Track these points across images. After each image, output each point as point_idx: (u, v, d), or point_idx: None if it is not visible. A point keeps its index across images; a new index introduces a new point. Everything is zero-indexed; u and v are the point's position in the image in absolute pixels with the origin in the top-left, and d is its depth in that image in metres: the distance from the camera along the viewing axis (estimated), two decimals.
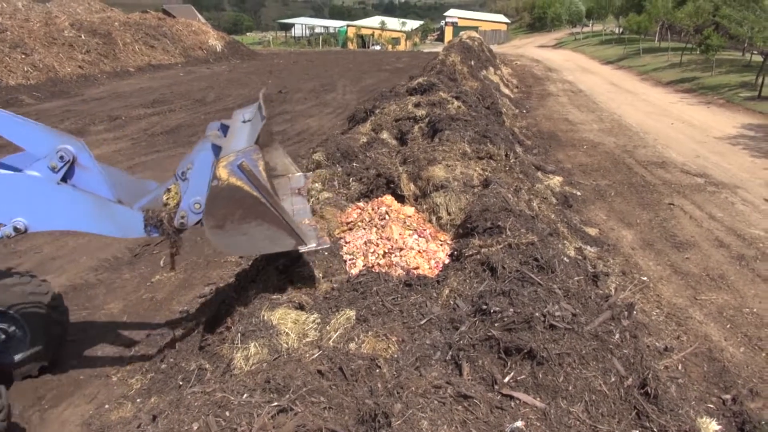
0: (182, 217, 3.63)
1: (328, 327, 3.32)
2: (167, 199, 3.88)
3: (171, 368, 4.45)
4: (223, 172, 3.18)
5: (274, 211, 3.24)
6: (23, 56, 21.92)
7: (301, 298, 3.82)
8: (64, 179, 3.80)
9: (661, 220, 8.41)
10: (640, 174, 10.72)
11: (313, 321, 3.42)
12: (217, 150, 3.66)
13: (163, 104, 18.36)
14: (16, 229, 3.61)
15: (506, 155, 6.99)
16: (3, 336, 4.58)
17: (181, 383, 4.00)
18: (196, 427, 2.68)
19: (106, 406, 4.71)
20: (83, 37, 26.22)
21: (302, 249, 3.44)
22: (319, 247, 3.54)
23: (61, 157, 3.75)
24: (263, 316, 3.60)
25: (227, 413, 2.71)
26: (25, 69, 21.35)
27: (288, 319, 3.52)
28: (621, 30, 48.55)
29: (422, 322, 3.31)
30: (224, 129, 4.25)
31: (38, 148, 3.81)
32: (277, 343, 3.38)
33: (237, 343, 3.46)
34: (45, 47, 23.51)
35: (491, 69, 20.19)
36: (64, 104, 18.62)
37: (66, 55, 24.16)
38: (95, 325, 5.87)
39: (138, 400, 4.72)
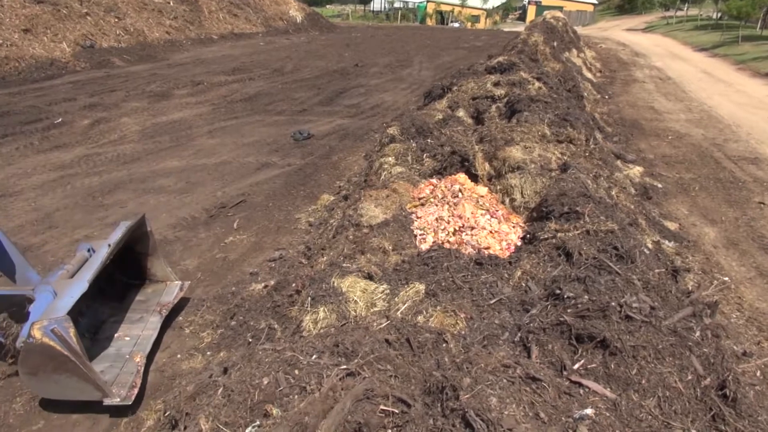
0: (23, 342, 3.95)
1: (396, 299, 3.35)
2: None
3: (240, 326, 4.63)
4: (37, 333, 3.66)
5: (83, 368, 3.73)
6: (116, 20, 22.98)
7: (370, 269, 3.87)
8: None
9: (749, 219, 7.91)
10: (729, 169, 10.10)
11: (382, 291, 3.46)
12: (54, 295, 4.17)
13: (243, 72, 18.82)
14: None
15: (586, 140, 6.75)
16: None
17: (250, 340, 4.16)
18: (266, 382, 2.78)
19: (178, 356, 4.95)
20: (171, 3, 27.17)
21: (107, 402, 3.93)
22: (122, 403, 3.98)
23: None
24: (333, 283, 3.67)
25: (296, 371, 2.80)
26: (117, 32, 22.39)
27: (357, 288, 3.58)
28: (719, 15, 45.47)
29: (492, 302, 3.27)
30: (93, 251, 4.77)
31: None
32: (345, 310, 3.44)
33: (307, 307, 3.55)
34: (136, 12, 24.54)
35: (574, 51, 19.44)
36: (151, 68, 19.43)
37: (155, 20, 25.14)
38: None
39: (208, 353, 4.95)
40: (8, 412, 4.20)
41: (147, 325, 4.81)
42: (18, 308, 4.35)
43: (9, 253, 4.53)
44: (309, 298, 3.59)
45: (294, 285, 4.27)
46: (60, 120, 12.10)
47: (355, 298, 3.53)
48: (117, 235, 4.70)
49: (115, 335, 4.69)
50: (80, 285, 4.16)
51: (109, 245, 4.57)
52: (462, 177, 5.49)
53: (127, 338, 4.67)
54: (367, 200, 4.93)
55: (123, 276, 5.23)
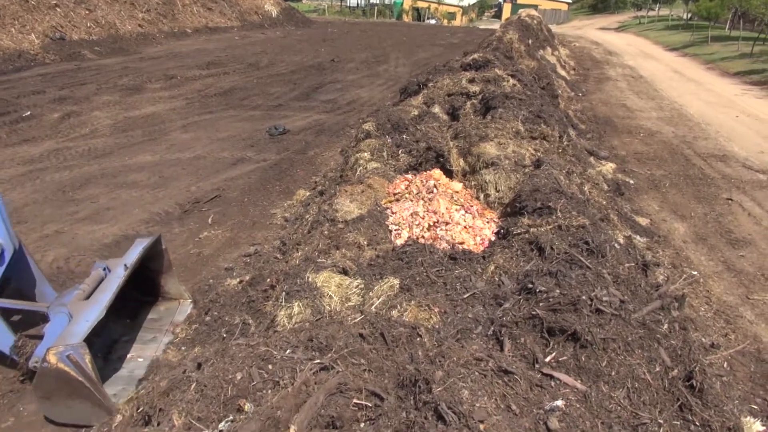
0: (35, 362, 4.02)
1: (371, 293, 3.35)
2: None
3: (215, 321, 4.59)
4: (53, 359, 3.68)
5: (97, 395, 3.74)
6: (87, 12, 22.50)
7: (345, 263, 3.86)
8: None
9: (717, 215, 8.11)
10: (699, 166, 10.33)
11: (357, 286, 3.46)
12: (70, 317, 4.16)
13: (217, 66, 18.61)
14: None
15: (560, 137, 6.83)
16: None
17: (224, 335, 4.13)
18: (239, 377, 2.77)
19: (140, 358, 4.90)
20: None
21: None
22: None
23: None
24: (308, 278, 3.66)
25: (270, 366, 2.79)
26: (88, 24, 21.93)
27: (332, 283, 3.57)
28: (689, 16, 46.39)
29: (465, 296, 3.30)
30: (108, 270, 4.73)
31: None
32: (320, 305, 3.43)
33: (281, 302, 3.53)
34: (108, 4, 24.06)
35: (549, 49, 19.64)
36: (123, 61, 19.08)
37: (127, 13, 24.68)
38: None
39: (183, 347, 4.90)
40: None
41: (160, 346, 4.71)
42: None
43: (28, 266, 4.54)
44: (284, 293, 3.58)
45: (269, 280, 4.25)
46: (29, 113, 11.81)
47: (330, 293, 3.53)
48: (133, 255, 4.63)
49: (128, 356, 4.61)
50: (96, 309, 4.12)
51: (126, 266, 4.51)
52: (437, 173, 5.51)
53: (140, 359, 4.58)
54: (343, 196, 4.92)
55: (136, 293, 5.12)
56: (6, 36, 17.95)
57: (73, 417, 3.88)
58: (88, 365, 3.66)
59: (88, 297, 4.35)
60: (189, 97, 14.23)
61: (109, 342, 4.70)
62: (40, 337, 4.21)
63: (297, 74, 18.06)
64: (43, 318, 4.45)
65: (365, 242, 4.22)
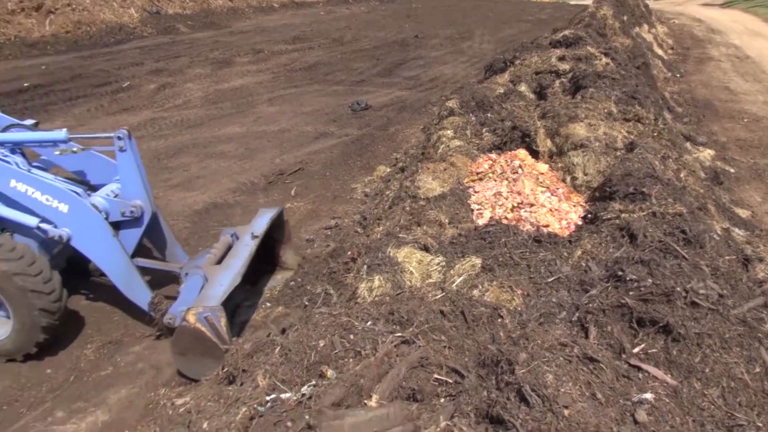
0: (170, 318, 4.25)
1: (452, 271, 3.34)
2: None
3: (298, 287, 4.74)
4: (191, 318, 3.90)
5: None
6: None
7: (426, 240, 3.86)
8: (119, 222, 4.48)
9: None
10: None
11: (438, 263, 3.46)
12: (205, 280, 4.40)
13: (303, 41, 18.90)
14: (60, 235, 4.20)
15: (655, 120, 6.47)
16: None
17: (306, 303, 4.25)
18: (322, 344, 2.85)
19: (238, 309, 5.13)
20: None
21: None
22: None
23: (132, 212, 4.41)
24: (389, 253, 3.69)
25: (351, 336, 2.85)
26: None
27: (413, 258, 3.59)
28: None
29: (550, 280, 3.22)
30: (236, 237, 4.98)
31: (126, 192, 4.45)
32: (400, 280, 3.46)
33: (362, 275, 3.59)
34: None
35: (645, 26, 18.55)
36: (213, 35, 19.76)
37: None
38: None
39: (267, 304, 5.10)
40: (80, 357, 4.48)
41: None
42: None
43: (162, 229, 4.87)
44: (365, 266, 3.63)
45: (350, 253, 4.32)
46: (128, 84, 12.51)
47: (411, 269, 3.55)
48: (261, 224, 4.91)
49: (249, 321, 4.86)
50: (231, 274, 4.38)
51: (254, 235, 4.79)
52: (522, 153, 5.37)
53: None
54: (425, 173, 4.90)
55: (258, 261, 5.40)
56: (109, 10, 19.00)
57: (203, 373, 4.06)
58: (223, 328, 3.89)
59: (219, 262, 4.63)
60: (275, 71, 14.56)
61: (233, 306, 4.92)
62: (174, 298, 4.51)
63: (380, 50, 18.05)
64: (174, 279, 4.78)
65: (447, 220, 4.19)
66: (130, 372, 4.43)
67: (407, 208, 4.55)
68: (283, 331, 3.21)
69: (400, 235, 3.98)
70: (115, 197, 4.46)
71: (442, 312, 2.97)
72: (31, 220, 4.27)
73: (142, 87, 12.43)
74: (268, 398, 2.67)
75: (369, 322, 2.91)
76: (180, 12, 21.85)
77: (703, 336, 2.72)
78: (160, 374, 4.40)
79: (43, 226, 4.23)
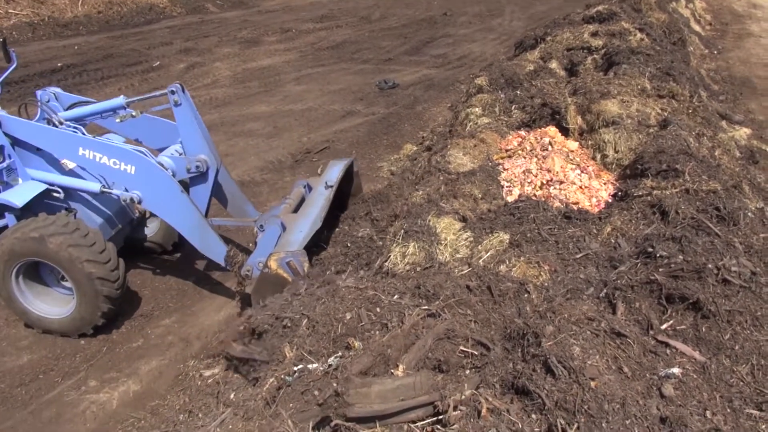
0: (248, 270, 4.27)
1: (479, 246, 3.34)
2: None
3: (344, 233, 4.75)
4: (273, 264, 3.88)
5: None
6: None
7: (465, 212, 3.83)
8: (188, 180, 4.51)
9: None
10: None
11: (466, 239, 3.45)
12: (283, 228, 4.35)
13: (330, 20, 18.79)
14: (131, 198, 4.25)
15: (690, 97, 6.30)
16: (138, 214, 5.28)
17: (348, 245, 4.25)
18: (348, 317, 2.89)
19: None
20: None
21: None
22: None
23: (197, 166, 4.42)
24: (429, 221, 3.65)
25: (378, 309, 2.88)
26: None
27: (451, 230, 3.56)
28: None
29: (578, 256, 3.20)
30: (309, 188, 4.95)
31: (190, 147, 4.46)
32: (434, 252, 3.45)
33: (398, 239, 3.56)
34: None
35: (682, 1, 17.95)
36: (242, 14, 19.78)
37: None
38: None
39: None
40: (112, 329, 4.63)
41: None
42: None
43: (230, 186, 4.90)
44: (402, 231, 3.61)
45: (393, 208, 4.26)
46: (158, 63, 12.64)
47: (447, 241, 3.52)
48: (334, 174, 4.89)
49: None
50: (309, 221, 4.36)
51: (327, 184, 4.78)
52: (552, 130, 5.30)
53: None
54: (455, 148, 4.87)
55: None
56: None
57: None
58: (305, 273, 3.84)
59: (294, 211, 4.64)
60: (303, 50, 14.54)
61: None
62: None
63: (408, 28, 17.86)
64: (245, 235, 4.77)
65: (480, 195, 4.17)
66: (159, 344, 4.56)
67: (442, 179, 4.52)
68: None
69: (441, 204, 3.95)
70: (179, 156, 4.48)
71: (468, 287, 2.98)
72: (94, 186, 4.36)
73: (171, 66, 12.55)
74: (295, 368, 2.72)
75: (395, 296, 2.94)
76: None
77: (733, 313, 2.68)
78: (189, 347, 4.53)
79: (115, 191, 4.31)
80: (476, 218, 3.74)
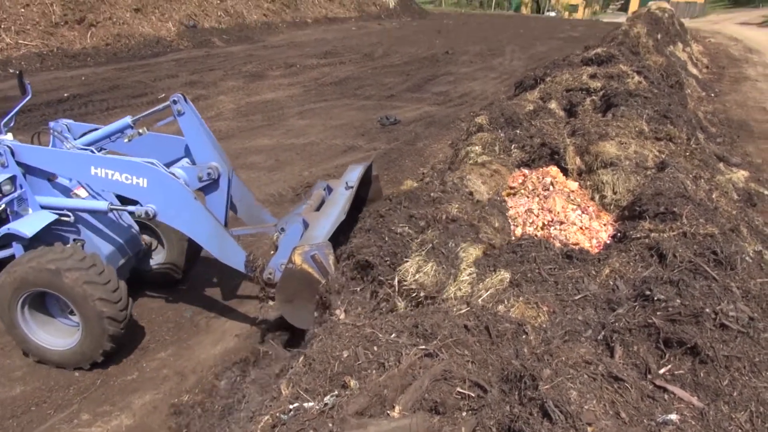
0: (270, 273, 4.16)
1: (480, 285, 3.34)
2: (276, 238, 4.48)
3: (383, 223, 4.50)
4: (297, 258, 3.69)
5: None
6: (218, 2, 24.01)
7: (494, 241, 3.79)
8: (201, 189, 4.47)
9: None
10: None
11: (469, 274, 3.45)
12: (306, 226, 4.20)
13: (334, 56, 19.17)
14: (146, 212, 4.21)
15: (687, 139, 6.39)
16: (145, 246, 5.30)
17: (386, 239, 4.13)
18: (345, 355, 2.87)
19: (263, 325, 5.21)
20: None
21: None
22: None
23: (209, 174, 4.42)
24: (459, 250, 3.56)
25: (375, 348, 2.87)
26: (219, 14, 23.40)
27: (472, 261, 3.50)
28: None
29: (577, 298, 3.21)
30: (329, 190, 4.82)
31: (199, 155, 4.48)
32: (445, 283, 3.41)
33: (423, 252, 3.46)
34: None
35: (680, 45, 18.32)
36: (247, 48, 20.19)
37: (254, 3, 26.03)
38: (260, 250, 6.44)
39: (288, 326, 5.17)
40: (107, 362, 4.59)
41: None
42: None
43: (245, 197, 4.85)
44: (430, 245, 3.49)
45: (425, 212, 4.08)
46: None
47: (461, 275, 3.45)
48: (354, 176, 4.72)
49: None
50: (335, 214, 4.17)
51: (348, 185, 4.61)
52: (554, 170, 5.36)
53: None
54: (473, 174, 4.87)
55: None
56: (147, 24, 19.58)
57: (313, 324, 3.83)
58: (331, 266, 3.66)
59: (316, 210, 4.51)
60: (306, 85, 14.80)
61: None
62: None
63: (410, 65, 18.20)
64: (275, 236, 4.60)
65: (499, 227, 4.16)
66: (154, 378, 4.53)
67: (468, 202, 4.41)
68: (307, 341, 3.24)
69: (479, 229, 3.84)
70: (190, 166, 4.48)
71: (466, 326, 2.97)
72: (102, 204, 4.38)
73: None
74: (291, 407, 2.70)
75: (393, 335, 2.93)
76: (215, 26, 22.40)
77: (731, 359, 2.67)
78: (185, 380, 4.49)
79: (130, 207, 4.30)
80: (482, 255, 3.73)
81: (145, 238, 5.36)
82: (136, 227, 5.18)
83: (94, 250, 4.51)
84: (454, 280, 3.43)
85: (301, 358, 3.08)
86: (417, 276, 3.33)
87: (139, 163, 4.17)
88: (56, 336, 4.45)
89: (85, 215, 4.66)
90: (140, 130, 4.49)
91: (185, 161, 4.61)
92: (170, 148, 4.71)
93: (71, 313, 4.36)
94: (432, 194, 4.31)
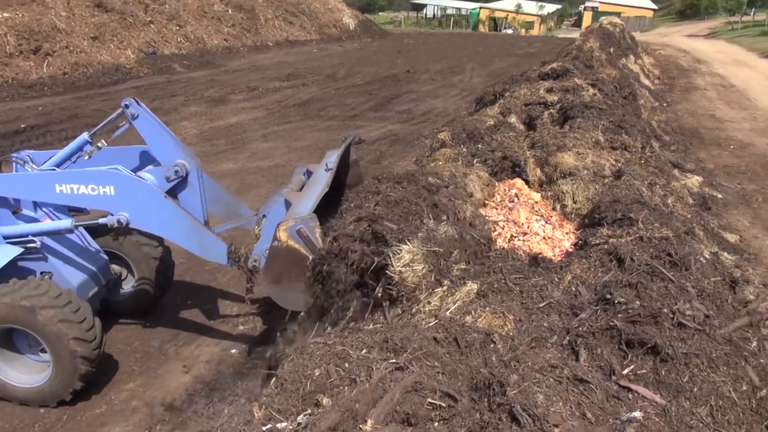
0: (255, 260, 4.00)
1: (449, 298, 3.40)
2: (258, 231, 4.34)
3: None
4: (282, 235, 3.49)
5: None
6: (178, 28, 23.90)
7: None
8: (172, 190, 4.32)
9: None
10: None
11: (442, 289, 3.50)
12: (288, 206, 4.04)
13: (296, 78, 19.24)
14: (119, 221, 4.07)
15: (642, 148, 6.63)
16: (114, 275, 5.18)
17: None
18: (317, 373, 2.88)
19: (233, 351, 5.16)
20: (230, 12, 28.02)
21: None
22: None
23: (176, 171, 4.28)
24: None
25: (347, 364, 2.89)
26: (179, 40, 23.29)
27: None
28: None
29: (541, 305, 3.29)
30: (309, 174, 4.67)
31: (162, 156, 4.36)
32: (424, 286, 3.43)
33: (418, 245, 3.42)
34: (197, 20, 25.45)
35: (632, 57, 18.98)
36: (209, 74, 20.11)
37: (214, 28, 26.00)
38: (227, 275, 6.40)
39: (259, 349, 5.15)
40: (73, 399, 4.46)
41: None
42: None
43: (219, 194, 4.72)
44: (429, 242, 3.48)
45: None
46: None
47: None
48: (332, 159, 4.54)
49: None
50: (318, 190, 3.99)
51: (327, 167, 4.42)
52: (519, 182, 5.50)
53: None
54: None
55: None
56: (106, 52, 19.36)
57: (302, 304, 3.70)
58: (318, 240, 3.48)
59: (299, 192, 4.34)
60: (269, 108, 14.81)
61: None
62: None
63: (373, 85, 18.40)
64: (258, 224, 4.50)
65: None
66: (123, 410, 4.42)
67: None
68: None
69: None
70: (155, 167, 4.36)
71: (435, 339, 3.02)
72: (66, 223, 4.25)
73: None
74: (264, 428, 2.69)
75: (363, 350, 2.95)
76: (176, 52, 22.28)
77: (690, 356, 2.78)
78: (154, 412, 4.40)
79: (102, 219, 4.15)
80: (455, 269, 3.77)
81: (115, 267, 5.23)
82: (105, 256, 5.06)
83: (62, 282, 4.39)
84: (430, 293, 3.45)
85: (273, 379, 3.07)
86: (406, 269, 3.29)
87: (103, 171, 4.06)
88: (23, 373, 4.30)
89: (53, 244, 4.54)
90: (99, 144, 4.40)
91: (150, 167, 4.48)
92: (132, 158, 4.61)
93: (42, 350, 4.20)
94: None
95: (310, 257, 3.48)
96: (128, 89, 16.73)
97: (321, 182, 4.21)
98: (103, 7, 21.11)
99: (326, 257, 3.48)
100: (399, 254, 3.36)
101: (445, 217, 3.90)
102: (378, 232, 3.49)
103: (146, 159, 4.59)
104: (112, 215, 4.08)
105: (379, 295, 3.44)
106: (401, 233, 3.50)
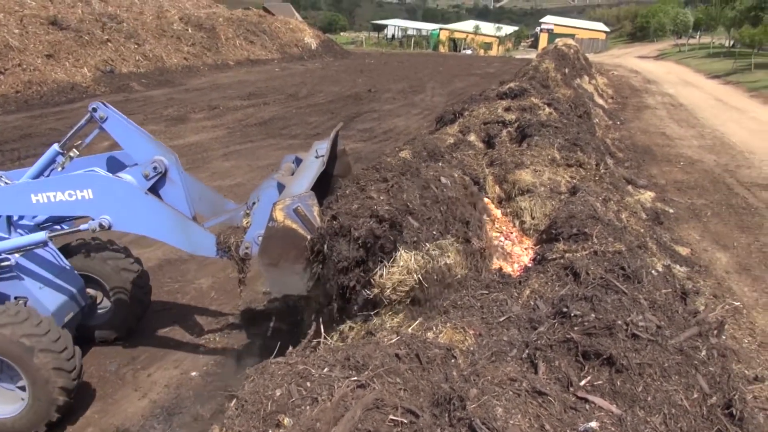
0: (246, 248, 3.89)
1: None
2: (246, 223, 4.20)
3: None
4: (279, 215, 3.35)
5: None
6: (136, 46, 23.60)
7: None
8: (154, 188, 4.21)
9: (762, 245, 7.91)
10: (742, 195, 10.11)
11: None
12: (281, 189, 3.92)
13: (258, 97, 19.19)
14: (101, 225, 3.94)
15: (597, 165, 6.83)
16: (90, 299, 5.01)
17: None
18: (278, 393, 2.85)
19: (193, 373, 5.06)
20: (190, 30, 27.86)
21: None
22: None
23: (155, 168, 4.17)
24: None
25: (308, 384, 2.87)
26: (137, 58, 22.98)
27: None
28: (732, 43, 45.77)
29: (501, 319, 3.34)
30: (298, 161, 4.56)
31: (138, 154, 4.26)
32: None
33: (410, 254, 3.29)
34: (155, 39, 25.19)
35: (586, 78, 19.62)
36: (168, 92, 19.88)
37: (173, 47, 25.77)
38: (186, 296, 6.29)
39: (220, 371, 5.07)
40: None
41: None
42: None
43: (202, 191, 4.56)
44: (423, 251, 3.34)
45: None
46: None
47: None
48: (323, 146, 4.39)
49: None
50: (312, 171, 3.81)
51: (318, 154, 4.29)
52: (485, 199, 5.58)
53: None
54: None
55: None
56: (61, 70, 18.94)
57: (300, 287, 3.56)
58: (317, 218, 3.32)
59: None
60: (230, 127, 14.71)
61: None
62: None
63: (335, 104, 18.49)
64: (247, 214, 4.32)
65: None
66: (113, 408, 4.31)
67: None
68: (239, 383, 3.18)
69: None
70: (133, 167, 4.23)
71: (397, 355, 3.02)
72: (40, 236, 4.07)
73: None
74: None
75: (325, 369, 2.94)
76: (134, 70, 21.96)
77: (644, 366, 2.85)
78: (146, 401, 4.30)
79: (83, 226, 3.99)
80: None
81: (90, 291, 5.05)
82: (81, 280, 4.87)
83: (38, 307, 4.20)
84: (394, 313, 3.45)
85: (234, 401, 3.02)
86: (394, 278, 3.22)
87: (79, 174, 3.94)
88: None
89: (28, 265, 4.35)
90: (71, 154, 4.30)
91: (127, 168, 4.35)
92: (105, 165, 4.51)
93: (15, 379, 3.99)
94: None
95: (308, 237, 3.34)
96: (84, 108, 16.33)
97: (313, 167, 4.05)
98: (57, 24, 20.69)
99: (325, 236, 3.32)
100: (392, 266, 3.25)
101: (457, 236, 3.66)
102: (396, 222, 3.29)
103: (119, 165, 4.48)
104: (93, 220, 3.93)
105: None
106: (418, 234, 3.33)
